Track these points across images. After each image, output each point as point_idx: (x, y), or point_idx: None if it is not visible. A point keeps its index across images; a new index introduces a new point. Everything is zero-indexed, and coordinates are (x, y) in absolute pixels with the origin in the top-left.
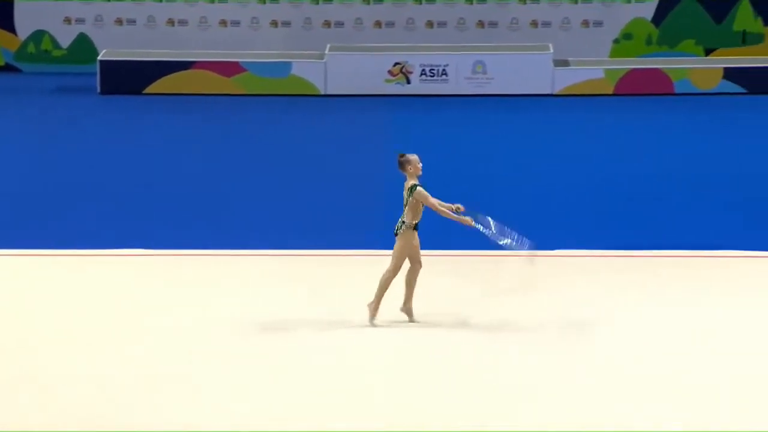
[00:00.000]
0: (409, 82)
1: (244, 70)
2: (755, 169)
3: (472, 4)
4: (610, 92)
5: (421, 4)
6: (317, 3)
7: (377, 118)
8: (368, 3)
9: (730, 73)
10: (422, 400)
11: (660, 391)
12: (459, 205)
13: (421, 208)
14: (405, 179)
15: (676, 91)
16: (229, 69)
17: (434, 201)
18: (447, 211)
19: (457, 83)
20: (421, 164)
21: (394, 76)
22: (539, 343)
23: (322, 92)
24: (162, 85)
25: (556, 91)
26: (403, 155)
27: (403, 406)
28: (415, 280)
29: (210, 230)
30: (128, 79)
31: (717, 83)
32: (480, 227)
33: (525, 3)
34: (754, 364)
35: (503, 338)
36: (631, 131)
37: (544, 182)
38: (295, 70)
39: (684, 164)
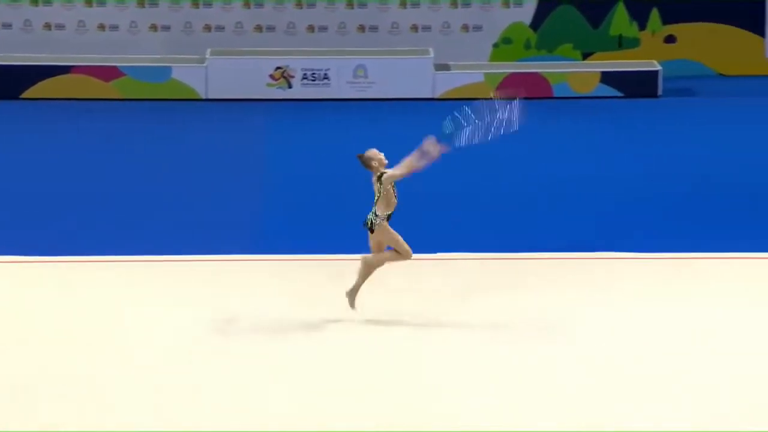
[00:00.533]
0: (290, 86)
1: (124, 74)
2: (629, 171)
3: (352, 8)
4: (491, 96)
5: (301, 8)
6: (197, 7)
7: (258, 123)
8: (248, 7)
9: (606, 77)
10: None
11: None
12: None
13: (394, 197)
14: (371, 176)
15: (555, 94)
16: (108, 73)
17: (400, 170)
18: (413, 163)
19: (339, 87)
20: (382, 154)
21: (276, 80)
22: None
23: (203, 96)
24: (40, 89)
25: (437, 95)
26: (361, 155)
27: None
28: (373, 270)
29: (90, 235)
30: (4, 83)
31: (594, 87)
32: (460, 138)
33: (405, 7)
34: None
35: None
36: (510, 134)
37: (423, 185)
38: (176, 75)
39: (559, 167)
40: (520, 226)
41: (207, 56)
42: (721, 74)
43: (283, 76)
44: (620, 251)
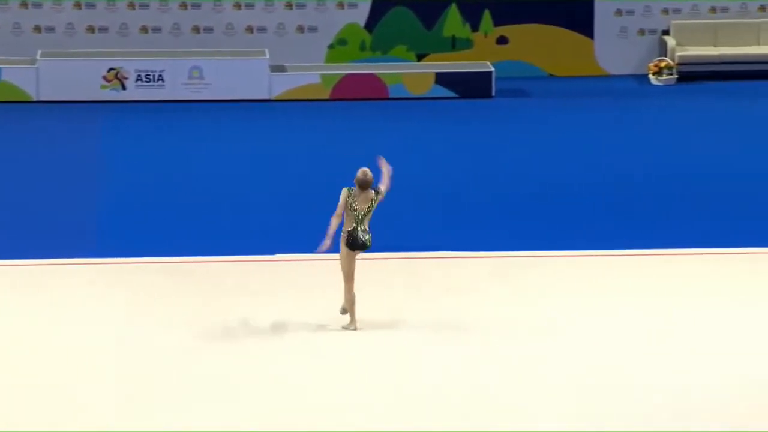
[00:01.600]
0: (124, 88)
1: None
2: (464, 171)
3: (186, 9)
4: (327, 97)
5: (134, 9)
6: (26, 7)
7: (92, 125)
8: (80, 8)
9: (441, 78)
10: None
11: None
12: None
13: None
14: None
15: (390, 95)
16: None
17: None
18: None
19: (174, 89)
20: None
21: (109, 81)
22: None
23: (35, 98)
24: None
25: (273, 96)
26: (364, 179)
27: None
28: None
29: None
30: None
31: (429, 88)
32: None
33: (240, 8)
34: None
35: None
36: (347, 134)
37: (259, 186)
38: (6, 76)
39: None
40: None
41: (38, 57)
42: (552, 75)
43: (116, 77)
44: (456, 251)
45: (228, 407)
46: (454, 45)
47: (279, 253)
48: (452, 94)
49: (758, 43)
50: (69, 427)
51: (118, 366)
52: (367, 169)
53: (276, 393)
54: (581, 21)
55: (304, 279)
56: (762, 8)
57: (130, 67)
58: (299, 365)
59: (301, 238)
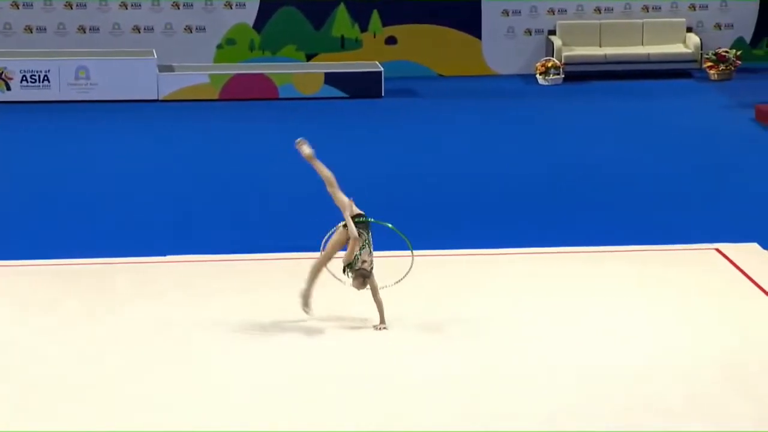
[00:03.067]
0: (9, 88)
1: None
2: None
3: (71, 9)
4: (216, 97)
5: (18, 9)
6: None
7: None
8: None
9: (331, 78)
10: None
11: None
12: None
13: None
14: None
15: (280, 95)
16: None
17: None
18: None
19: (60, 89)
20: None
21: None
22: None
23: None
24: None
25: (161, 97)
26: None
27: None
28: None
29: None
30: None
31: (319, 88)
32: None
33: (126, 8)
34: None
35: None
36: (236, 134)
37: (153, 185)
38: None
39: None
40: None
41: None
42: (441, 75)
43: (1, 77)
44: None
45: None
46: (344, 45)
47: (170, 254)
48: (342, 94)
49: (642, 43)
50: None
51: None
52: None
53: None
54: (469, 21)
55: (198, 279)
56: (645, 8)
57: (14, 67)
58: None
59: (193, 237)
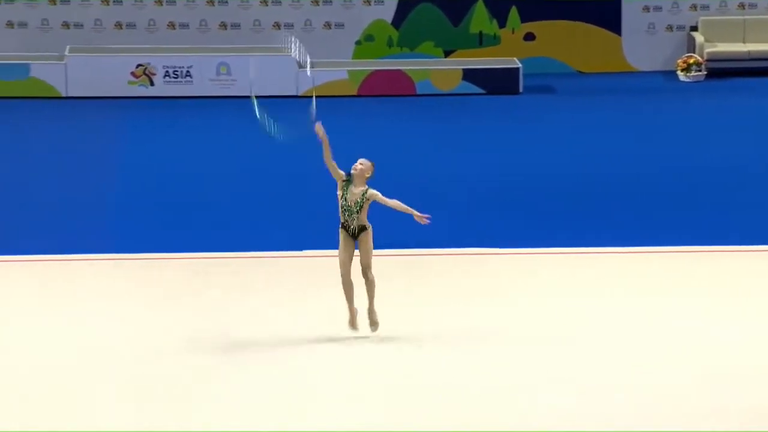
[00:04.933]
0: (152, 84)
1: None
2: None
3: (213, 5)
4: (354, 93)
5: (162, 5)
6: (55, 4)
7: (120, 121)
8: (108, 4)
9: (468, 74)
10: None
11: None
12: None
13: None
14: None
15: (418, 92)
16: None
17: (386, 201)
18: (400, 207)
19: (202, 85)
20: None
21: (138, 77)
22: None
23: (63, 94)
24: None
25: (300, 93)
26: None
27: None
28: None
29: None
30: None
31: (457, 84)
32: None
33: (267, 5)
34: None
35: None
36: (374, 131)
37: (289, 180)
38: (34, 72)
39: (423, 164)
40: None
41: (66, 53)
42: (579, 72)
43: (144, 73)
44: (483, 247)
45: (238, 409)
46: (482, 41)
47: (307, 249)
48: (479, 90)
49: None
50: (76, 426)
51: (130, 364)
52: (363, 161)
53: (282, 396)
54: (609, 18)
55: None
56: None
57: (158, 63)
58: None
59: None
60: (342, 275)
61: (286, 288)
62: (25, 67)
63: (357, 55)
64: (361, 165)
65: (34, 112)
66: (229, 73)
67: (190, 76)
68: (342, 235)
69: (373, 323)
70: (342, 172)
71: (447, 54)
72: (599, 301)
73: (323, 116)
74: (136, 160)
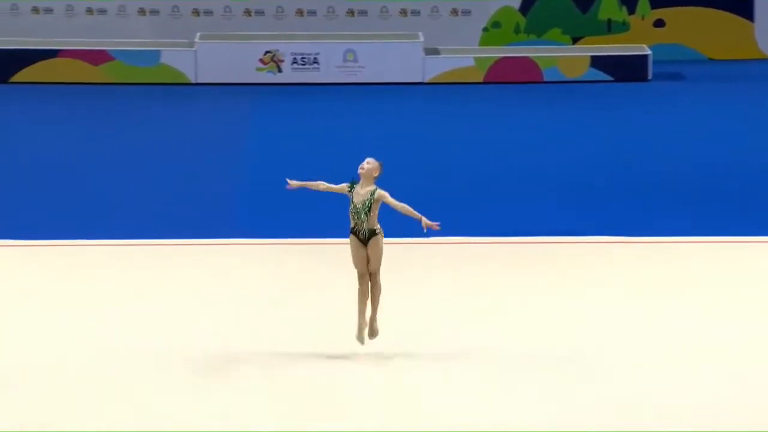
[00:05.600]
0: (280, 70)
1: (113, 58)
2: (617, 155)
3: None
4: (480, 80)
5: None
6: None
7: (247, 107)
8: None
9: (597, 61)
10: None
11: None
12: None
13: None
14: (355, 185)
15: (545, 79)
16: (97, 57)
17: (395, 203)
18: (409, 212)
19: (328, 72)
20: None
21: (265, 64)
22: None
23: (193, 81)
24: (28, 73)
25: (426, 80)
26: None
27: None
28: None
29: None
30: None
31: (585, 71)
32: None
33: None
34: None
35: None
36: (501, 118)
37: (412, 170)
38: (165, 59)
39: (551, 151)
40: (505, 211)
41: (196, 40)
42: (710, 58)
43: (272, 60)
44: (611, 235)
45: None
46: (610, 28)
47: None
48: (608, 78)
49: None
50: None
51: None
52: (370, 160)
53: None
54: (740, 3)
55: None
56: None
57: (285, 50)
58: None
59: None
60: (359, 284)
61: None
62: (156, 54)
63: (484, 41)
64: (369, 164)
65: (163, 98)
66: (355, 60)
67: (317, 62)
68: (352, 242)
69: (373, 333)
70: (342, 185)
71: (575, 41)
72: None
73: (449, 103)
74: (263, 147)
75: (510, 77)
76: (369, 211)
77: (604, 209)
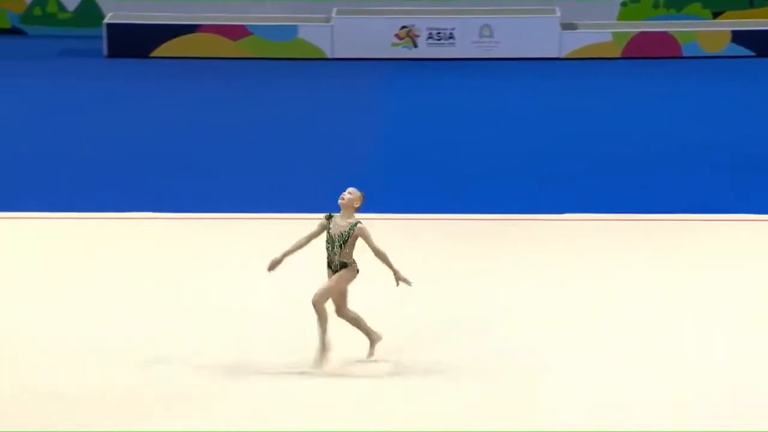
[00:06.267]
0: (416, 45)
1: (250, 33)
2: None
3: None
4: (618, 55)
5: None
6: None
7: (384, 82)
8: None
9: (738, 36)
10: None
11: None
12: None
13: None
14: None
15: (684, 54)
16: (235, 32)
17: (375, 248)
18: (387, 262)
19: (464, 47)
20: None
21: (401, 39)
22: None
23: (329, 56)
24: (168, 48)
25: (563, 55)
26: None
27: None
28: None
29: (212, 194)
30: (134, 42)
31: (725, 46)
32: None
33: None
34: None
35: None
36: (639, 94)
37: (549, 146)
38: (302, 34)
39: (691, 127)
40: (641, 187)
41: (333, 15)
42: None
43: (408, 35)
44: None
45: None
46: (752, 2)
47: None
48: (749, 53)
49: None
50: None
51: None
52: (351, 190)
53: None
54: None
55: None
56: None
57: (421, 25)
58: None
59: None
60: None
61: None
62: (293, 29)
63: (622, 16)
64: (350, 194)
65: (299, 72)
66: (491, 36)
67: (452, 38)
68: (328, 274)
69: (374, 339)
70: (317, 227)
71: (715, 15)
72: None
73: (587, 77)
74: (399, 122)
75: (648, 52)
76: (344, 244)
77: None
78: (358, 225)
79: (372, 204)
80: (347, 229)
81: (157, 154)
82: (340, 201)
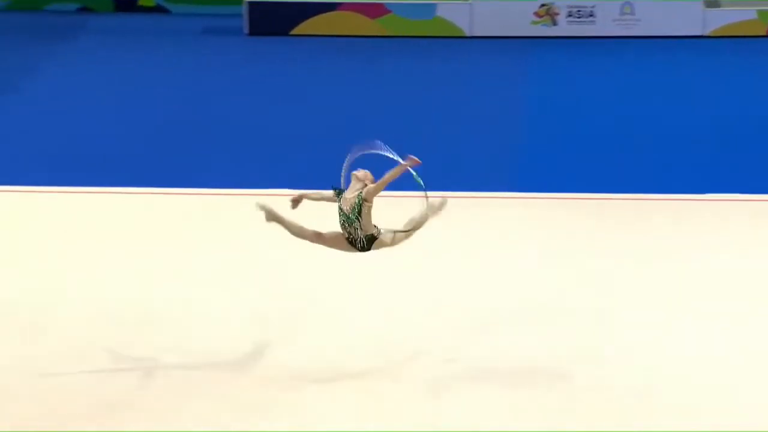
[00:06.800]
0: (555, 23)
1: (389, 11)
2: None
3: None
4: (763, 33)
5: None
6: None
7: (522, 60)
8: None
9: None
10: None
11: None
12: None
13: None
14: (342, 191)
15: None
16: (374, 10)
17: (378, 183)
18: (391, 174)
19: (604, 25)
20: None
21: (541, 17)
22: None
23: (468, 34)
24: (308, 26)
25: (707, 33)
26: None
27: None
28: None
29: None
30: (275, 20)
31: None
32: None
33: None
34: None
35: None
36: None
37: (695, 123)
38: (440, 12)
39: None
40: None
41: None
42: None
43: (548, 13)
44: None
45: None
46: None
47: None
48: None
49: None
50: None
51: None
52: (366, 172)
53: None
54: None
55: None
56: None
57: (561, 3)
58: None
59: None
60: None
61: None
62: (432, 7)
63: None
64: (363, 172)
65: (437, 50)
66: (632, 13)
67: (593, 15)
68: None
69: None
70: (329, 192)
71: None
72: None
73: (731, 56)
74: (540, 100)
75: None
76: (359, 215)
77: None
78: (364, 189)
79: (511, 183)
80: (356, 198)
81: (297, 132)
82: (356, 173)
